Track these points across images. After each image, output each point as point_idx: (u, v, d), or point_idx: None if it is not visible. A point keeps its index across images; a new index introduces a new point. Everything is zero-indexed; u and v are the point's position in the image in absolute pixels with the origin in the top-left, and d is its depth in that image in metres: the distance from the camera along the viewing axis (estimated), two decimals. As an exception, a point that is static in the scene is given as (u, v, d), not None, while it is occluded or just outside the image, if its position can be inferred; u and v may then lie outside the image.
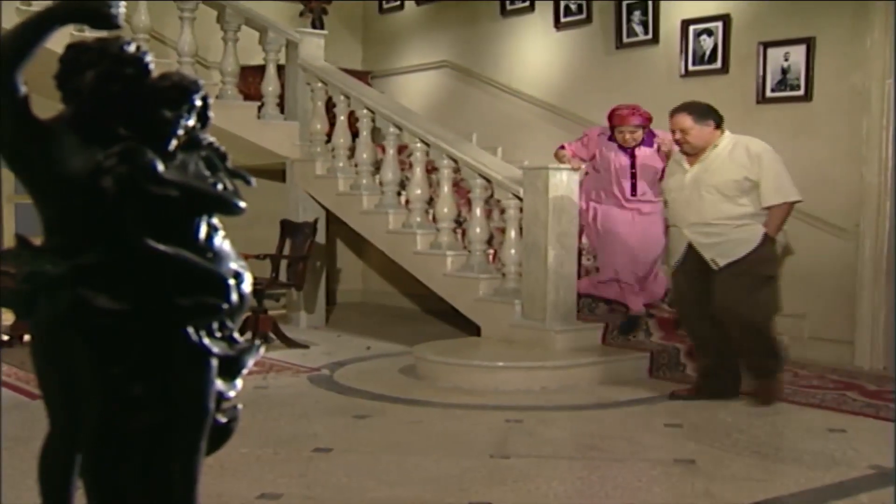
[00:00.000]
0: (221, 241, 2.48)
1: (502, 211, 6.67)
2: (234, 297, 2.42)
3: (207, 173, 2.54)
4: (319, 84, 7.68)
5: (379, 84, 9.47)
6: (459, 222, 7.15)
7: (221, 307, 2.41)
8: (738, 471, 3.96)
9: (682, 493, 3.69)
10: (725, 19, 7.09)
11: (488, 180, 6.53)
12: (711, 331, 5.14)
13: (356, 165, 7.48)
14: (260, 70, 7.83)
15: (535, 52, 8.54)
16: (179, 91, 2.44)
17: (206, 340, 2.41)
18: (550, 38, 8.40)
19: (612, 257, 6.24)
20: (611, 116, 6.13)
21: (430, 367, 5.82)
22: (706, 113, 5.05)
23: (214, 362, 2.44)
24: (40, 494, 2.57)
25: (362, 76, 8.83)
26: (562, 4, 8.24)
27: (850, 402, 5.26)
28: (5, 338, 6.58)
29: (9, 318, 6.29)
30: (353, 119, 7.50)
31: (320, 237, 7.58)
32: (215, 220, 2.48)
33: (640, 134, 6.05)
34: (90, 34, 2.97)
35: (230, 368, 2.50)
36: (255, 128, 7.62)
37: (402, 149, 7.42)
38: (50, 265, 2.27)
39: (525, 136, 8.42)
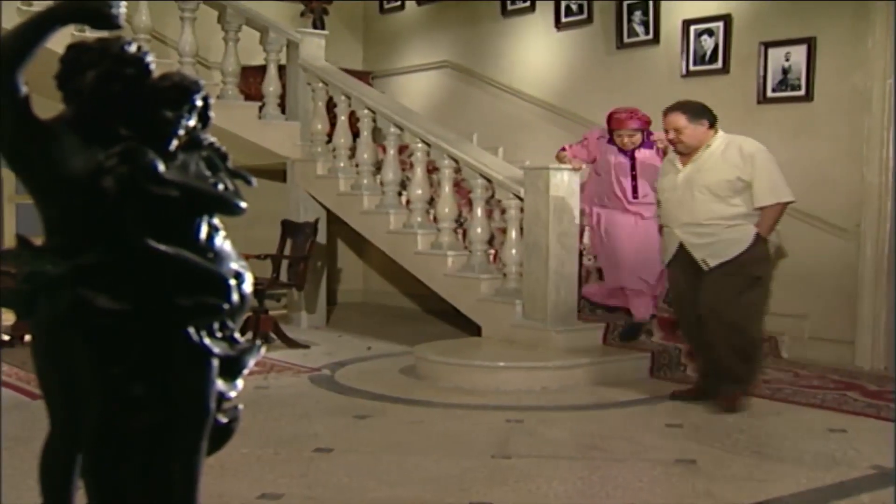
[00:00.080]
0: (222, 242, 2.48)
1: (503, 211, 6.67)
2: (235, 297, 2.42)
3: (208, 173, 2.54)
4: (320, 84, 7.68)
5: (380, 84, 9.48)
6: (460, 222, 7.16)
7: (222, 307, 2.41)
8: (738, 471, 3.96)
9: (682, 494, 3.69)
10: (726, 19, 7.09)
11: (489, 180, 6.53)
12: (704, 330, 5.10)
13: (357, 165, 7.48)
14: (261, 70, 7.84)
15: (536, 53, 8.54)
16: (180, 91, 2.45)
17: (207, 340, 2.42)
18: (551, 38, 8.40)
19: (615, 264, 6.22)
20: (609, 120, 6.13)
21: (431, 368, 5.82)
22: (700, 112, 5.01)
23: (215, 362, 2.44)
24: (41, 494, 2.57)
25: (363, 76, 8.84)
26: (562, 4, 8.24)
27: (851, 403, 5.26)
28: (6, 338, 6.58)
29: (9, 318, 6.28)
30: (353, 119, 7.50)
31: (321, 237, 7.58)
32: (216, 221, 2.48)
33: (638, 137, 6.04)
34: (91, 34, 2.97)
35: (231, 369, 2.50)
36: (256, 128, 7.62)
37: (402, 149, 7.43)
38: (50, 265, 2.27)
39: (526, 137, 8.42)
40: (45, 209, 2.35)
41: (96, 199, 2.26)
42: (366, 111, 7.33)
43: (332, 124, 7.65)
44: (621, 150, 6.10)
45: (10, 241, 6.64)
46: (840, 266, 6.48)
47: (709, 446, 4.33)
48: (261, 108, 7.72)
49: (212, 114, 2.60)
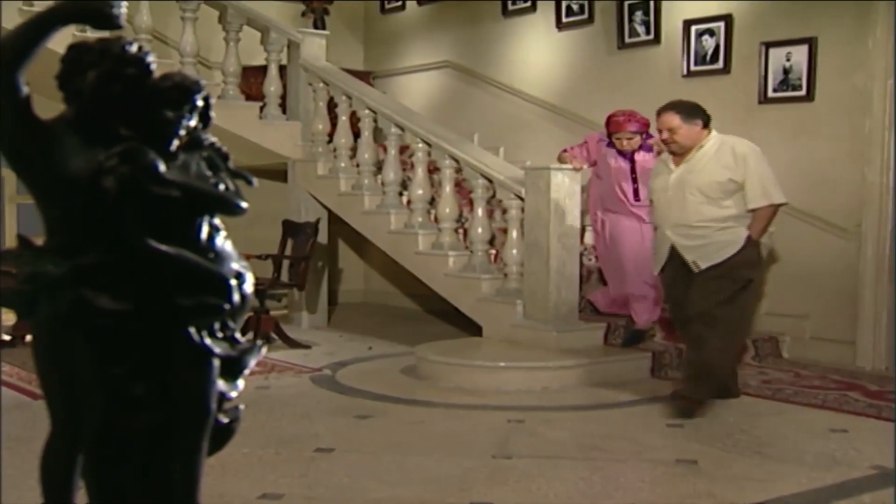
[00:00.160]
0: (223, 242, 2.48)
1: (504, 211, 6.67)
2: (236, 297, 2.42)
3: (209, 173, 2.54)
4: (321, 84, 7.68)
5: (381, 84, 9.48)
6: (461, 222, 7.16)
7: (223, 307, 2.41)
8: (739, 471, 3.96)
9: (684, 494, 3.68)
10: (727, 19, 7.09)
11: (490, 180, 6.53)
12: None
13: (358, 166, 7.48)
14: (262, 70, 7.84)
15: (537, 53, 8.54)
16: (181, 91, 2.45)
17: (208, 341, 2.42)
18: (552, 39, 8.40)
19: (620, 270, 6.19)
20: (608, 123, 6.11)
21: (432, 368, 5.82)
22: (694, 112, 4.93)
23: (216, 362, 2.44)
24: (41, 494, 2.57)
25: (364, 76, 8.84)
26: (563, 4, 8.24)
27: (852, 403, 5.25)
28: (7, 338, 6.59)
29: (10, 318, 6.29)
30: (354, 119, 7.49)
31: (322, 237, 7.58)
32: (217, 221, 2.49)
33: (637, 140, 6.02)
34: (92, 34, 2.98)
35: (232, 369, 2.51)
36: (257, 128, 7.62)
37: (403, 149, 7.43)
38: (51, 265, 2.28)
39: (527, 137, 8.42)
40: (46, 209, 2.35)
41: (97, 200, 2.26)
42: (367, 111, 7.33)
43: (333, 124, 7.65)
44: (621, 154, 6.08)
45: (10, 241, 6.64)
46: (841, 266, 6.47)
47: (710, 446, 4.33)
48: (262, 109, 7.72)
49: (213, 114, 2.60)
